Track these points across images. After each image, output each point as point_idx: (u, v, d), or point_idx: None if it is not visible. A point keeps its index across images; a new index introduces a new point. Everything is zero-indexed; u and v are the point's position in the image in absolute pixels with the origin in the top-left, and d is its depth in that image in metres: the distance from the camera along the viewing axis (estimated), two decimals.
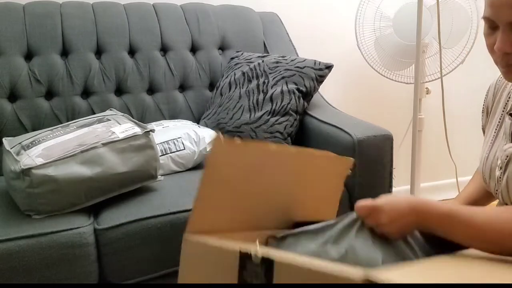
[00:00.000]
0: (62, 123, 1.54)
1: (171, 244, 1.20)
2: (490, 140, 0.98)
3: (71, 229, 1.14)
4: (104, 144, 1.25)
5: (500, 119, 0.97)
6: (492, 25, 0.81)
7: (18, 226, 1.13)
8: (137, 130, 1.31)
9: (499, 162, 0.91)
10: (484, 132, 1.05)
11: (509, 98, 0.96)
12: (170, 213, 1.21)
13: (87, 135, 1.29)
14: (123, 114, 1.46)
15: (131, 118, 1.43)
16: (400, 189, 2.47)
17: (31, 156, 1.19)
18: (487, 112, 1.05)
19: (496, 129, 0.98)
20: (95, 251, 1.17)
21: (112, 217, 1.20)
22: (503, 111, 0.96)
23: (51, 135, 1.29)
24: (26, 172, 1.15)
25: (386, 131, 1.40)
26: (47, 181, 1.16)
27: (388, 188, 1.43)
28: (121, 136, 1.29)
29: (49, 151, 1.21)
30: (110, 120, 1.38)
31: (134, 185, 1.30)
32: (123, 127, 1.34)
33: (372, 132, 1.39)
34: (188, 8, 1.88)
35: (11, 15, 1.64)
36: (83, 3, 1.76)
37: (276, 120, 1.57)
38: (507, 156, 0.89)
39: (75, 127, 1.35)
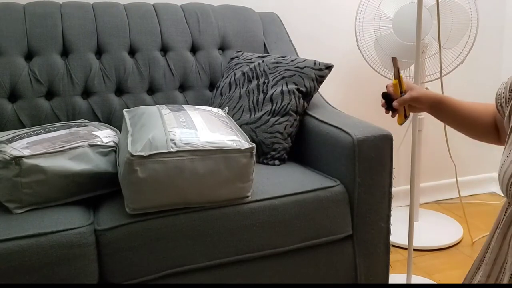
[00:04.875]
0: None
1: (171, 244, 1.20)
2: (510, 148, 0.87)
3: (71, 229, 1.14)
4: (90, 145, 1.28)
5: None
6: None
7: (19, 225, 1.13)
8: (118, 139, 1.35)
9: None
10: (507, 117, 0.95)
11: None
12: (170, 214, 1.21)
13: (71, 135, 1.31)
14: (98, 123, 1.50)
15: (108, 125, 1.47)
16: (400, 189, 2.47)
17: (16, 148, 1.20)
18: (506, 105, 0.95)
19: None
20: (95, 251, 1.17)
21: (112, 218, 1.20)
22: None
23: (32, 133, 1.31)
24: (17, 160, 1.16)
25: (386, 131, 1.40)
26: (36, 171, 1.18)
27: (388, 188, 1.43)
28: (105, 141, 1.32)
29: (34, 144, 1.23)
30: (88, 126, 1.40)
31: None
32: (105, 133, 1.37)
33: (372, 132, 1.39)
34: (188, 8, 1.88)
35: (11, 15, 1.64)
36: (83, 3, 1.76)
37: (276, 120, 1.57)
38: None
39: (55, 128, 1.36)
